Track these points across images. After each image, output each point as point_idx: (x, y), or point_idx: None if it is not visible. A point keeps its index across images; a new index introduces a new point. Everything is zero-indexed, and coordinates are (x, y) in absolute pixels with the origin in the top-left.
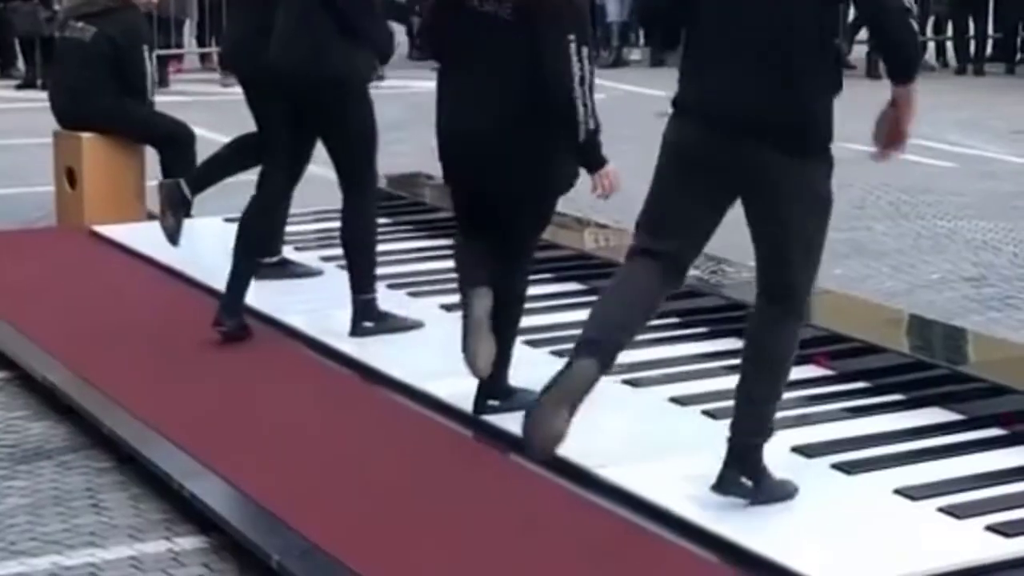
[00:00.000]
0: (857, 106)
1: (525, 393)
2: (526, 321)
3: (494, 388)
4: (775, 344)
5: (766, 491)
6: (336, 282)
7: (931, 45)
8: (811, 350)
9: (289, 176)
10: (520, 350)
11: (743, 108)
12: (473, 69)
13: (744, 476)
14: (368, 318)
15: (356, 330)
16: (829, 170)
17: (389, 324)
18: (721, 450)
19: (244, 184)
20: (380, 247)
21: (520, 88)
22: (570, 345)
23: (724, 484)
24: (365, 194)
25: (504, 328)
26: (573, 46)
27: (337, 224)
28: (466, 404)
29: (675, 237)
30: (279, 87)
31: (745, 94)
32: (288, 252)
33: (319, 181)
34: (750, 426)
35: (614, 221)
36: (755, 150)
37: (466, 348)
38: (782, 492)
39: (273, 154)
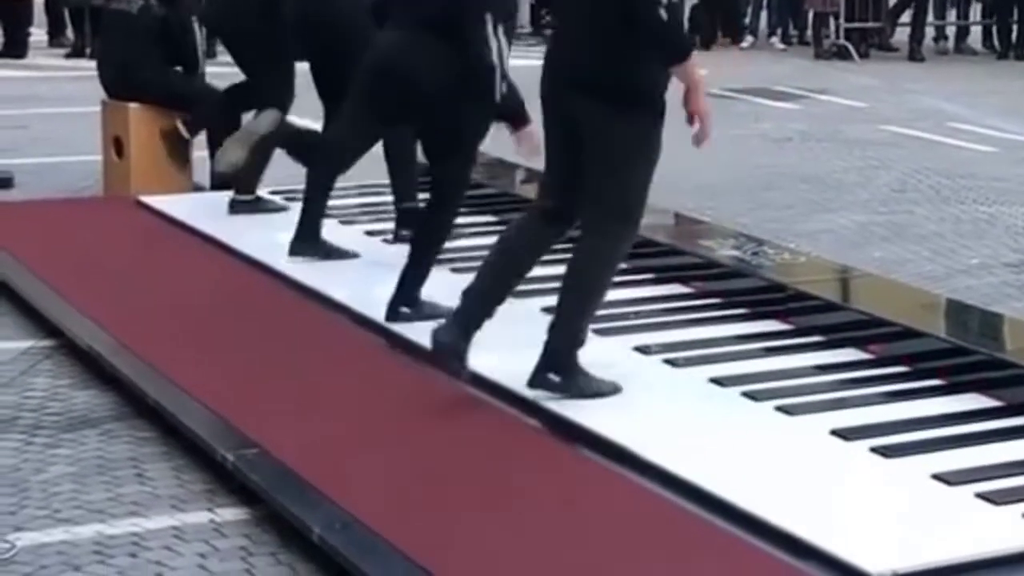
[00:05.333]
0: (897, 89)
1: (432, 305)
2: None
3: (405, 298)
4: (585, 265)
5: (575, 387)
6: (378, 256)
7: (977, 30)
8: (850, 334)
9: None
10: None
11: (568, 66)
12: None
13: (551, 372)
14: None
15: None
16: (648, 118)
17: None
18: (761, 430)
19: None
20: None
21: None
22: None
23: (535, 379)
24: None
25: (423, 248)
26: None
27: (381, 199)
28: (508, 380)
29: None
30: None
31: (567, 54)
32: (332, 226)
33: (368, 157)
34: (559, 335)
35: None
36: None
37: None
38: (593, 388)
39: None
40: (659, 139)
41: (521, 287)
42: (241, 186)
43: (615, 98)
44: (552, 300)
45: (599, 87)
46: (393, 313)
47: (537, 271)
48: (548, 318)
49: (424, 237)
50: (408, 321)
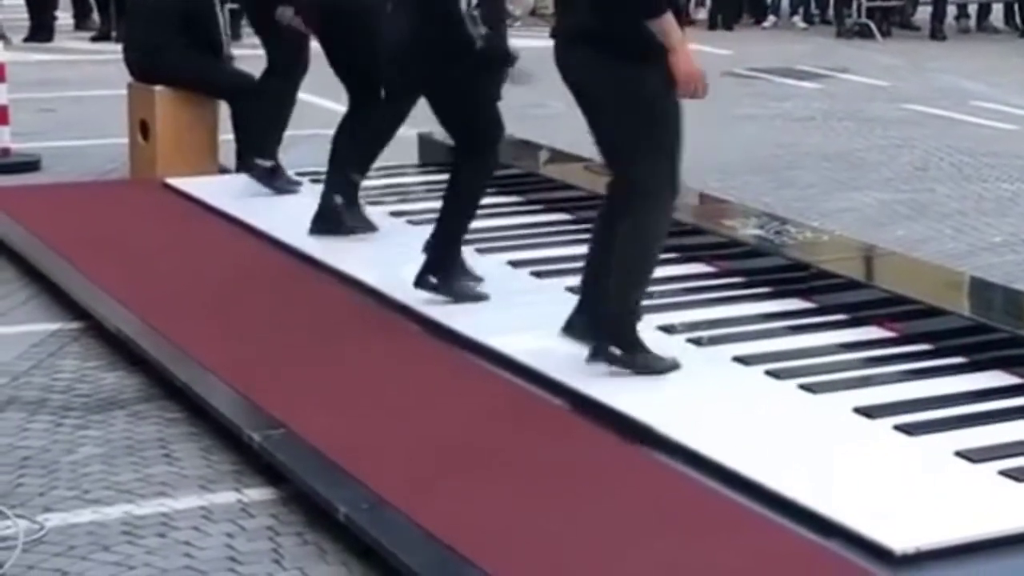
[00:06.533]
0: (919, 67)
1: (465, 284)
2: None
3: (435, 265)
4: (625, 240)
5: (634, 362)
6: (403, 239)
7: (999, 8)
8: (872, 312)
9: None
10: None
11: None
12: None
13: (611, 345)
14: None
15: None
16: (651, 74)
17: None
18: (785, 408)
19: (308, 138)
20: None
21: None
22: None
23: (595, 353)
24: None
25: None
26: None
27: (408, 179)
28: (531, 360)
29: None
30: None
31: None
32: None
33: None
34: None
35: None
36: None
37: None
38: (653, 364)
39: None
40: (667, 102)
41: (545, 267)
42: (261, 148)
43: (614, 51)
44: (575, 280)
45: (598, 40)
46: (422, 280)
47: (561, 251)
48: (573, 298)
49: (454, 200)
50: (434, 292)
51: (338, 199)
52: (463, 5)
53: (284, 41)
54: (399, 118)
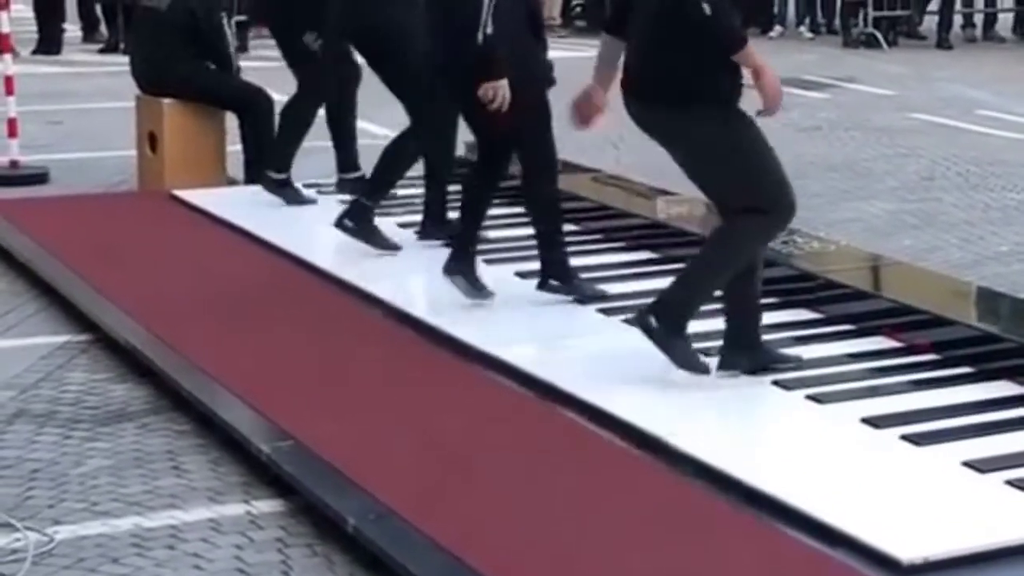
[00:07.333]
0: (925, 77)
1: (586, 284)
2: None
3: (555, 270)
4: (712, 242)
5: (673, 348)
6: (411, 250)
7: (1006, 17)
8: (879, 321)
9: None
10: (593, 317)
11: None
12: None
13: (654, 317)
14: (354, 219)
15: (339, 223)
16: (716, 113)
17: (368, 235)
18: (792, 418)
19: (320, 149)
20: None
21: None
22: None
23: (639, 318)
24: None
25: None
26: None
27: (417, 191)
28: (538, 370)
29: None
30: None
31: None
32: None
33: None
34: (672, 290)
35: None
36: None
37: None
38: (687, 360)
39: None
40: (742, 129)
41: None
42: (276, 162)
43: (676, 102)
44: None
45: (661, 94)
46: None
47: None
48: (578, 308)
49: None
50: (558, 293)
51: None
52: (484, 13)
53: (310, 65)
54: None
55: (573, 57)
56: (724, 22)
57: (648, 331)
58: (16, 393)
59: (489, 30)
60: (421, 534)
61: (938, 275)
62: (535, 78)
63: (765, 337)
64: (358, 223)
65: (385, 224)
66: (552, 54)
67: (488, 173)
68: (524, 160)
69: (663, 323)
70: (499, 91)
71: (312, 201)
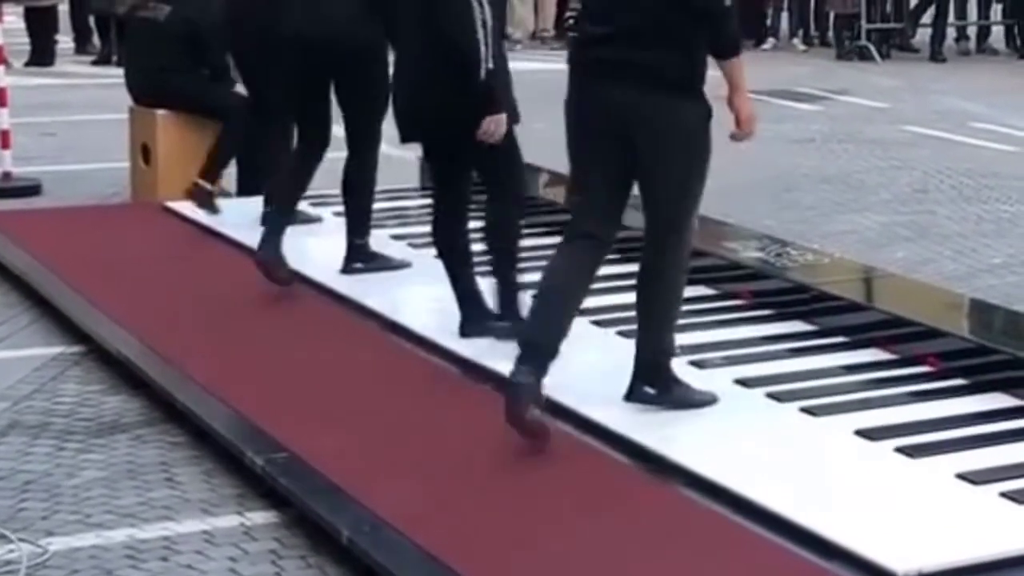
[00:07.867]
0: (918, 89)
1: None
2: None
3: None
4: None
5: (671, 399)
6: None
7: (998, 30)
8: (873, 333)
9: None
10: (588, 329)
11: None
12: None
13: (647, 385)
14: (359, 260)
15: (347, 268)
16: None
17: (379, 263)
18: (786, 431)
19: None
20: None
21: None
22: None
23: (632, 392)
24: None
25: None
26: None
27: (409, 202)
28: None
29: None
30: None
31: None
32: None
33: (396, 162)
34: (649, 342)
35: None
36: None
37: None
38: (690, 399)
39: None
40: (707, 136)
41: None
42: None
43: (673, 87)
44: None
45: (659, 77)
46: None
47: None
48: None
49: (496, 241)
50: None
51: None
52: (483, 50)
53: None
54: None
55: (566, 69)
56: (733, 23)
57: (650, 402)
58: (9, 405)
59: (490, 65)
60: (415, 546)
61: (932, 287)
62: (511, 98)
63: (761, 349)
64: (362, 260)
65: (378, 236)
66: (545, 66)
67: (461, 208)
68: (496, 182)
69: (657, 385)
70: (501, 125)
71: (318, 219)
